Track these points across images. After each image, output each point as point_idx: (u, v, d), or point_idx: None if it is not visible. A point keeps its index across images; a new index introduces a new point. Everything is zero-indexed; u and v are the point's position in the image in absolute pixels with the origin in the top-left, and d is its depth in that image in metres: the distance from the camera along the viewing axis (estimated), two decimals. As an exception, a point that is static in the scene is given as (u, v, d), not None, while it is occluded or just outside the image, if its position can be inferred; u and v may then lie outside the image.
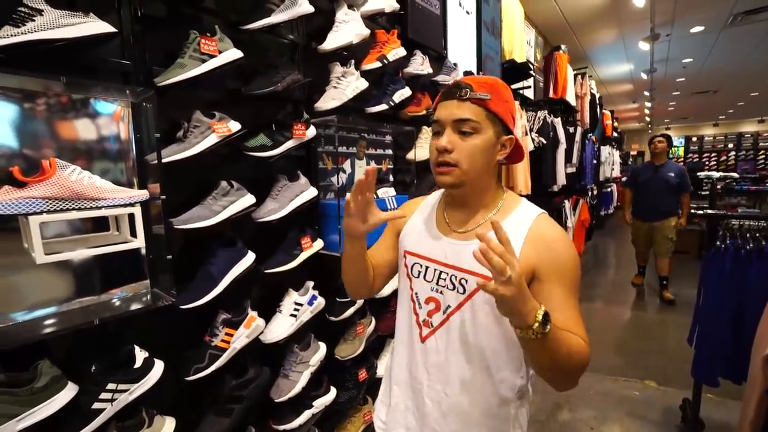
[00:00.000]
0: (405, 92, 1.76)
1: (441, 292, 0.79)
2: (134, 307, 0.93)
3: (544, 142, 3.34)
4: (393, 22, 1.90)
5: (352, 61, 1.51)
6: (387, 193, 1.70)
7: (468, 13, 2.67)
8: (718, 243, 1.49)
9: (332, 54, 1.48)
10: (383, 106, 1.66)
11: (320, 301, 1.42)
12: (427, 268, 0.82)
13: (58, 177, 0.76)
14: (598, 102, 6.03)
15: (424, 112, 1.93)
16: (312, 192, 1.37)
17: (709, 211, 1.65)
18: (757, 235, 1.44)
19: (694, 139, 14.22)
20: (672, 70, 7.31)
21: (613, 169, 8.28)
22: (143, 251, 0.98)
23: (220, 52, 1.04)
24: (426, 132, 2.00)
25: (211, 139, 1.04)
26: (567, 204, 4.20)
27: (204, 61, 1.01)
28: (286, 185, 1.28)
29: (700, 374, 1.54)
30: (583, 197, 5.05)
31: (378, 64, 1.62)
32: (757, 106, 11.83)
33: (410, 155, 1.96)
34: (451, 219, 0.83)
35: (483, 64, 2.80)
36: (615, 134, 8.64)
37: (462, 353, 0.77)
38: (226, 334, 1.12)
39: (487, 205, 0.80)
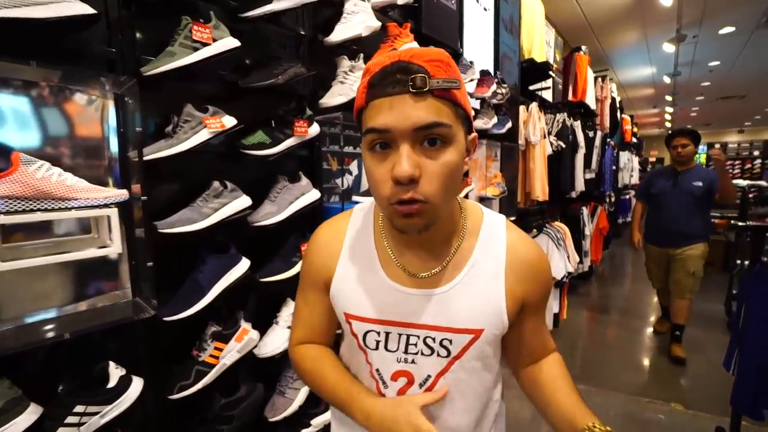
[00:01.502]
0: (417, 90, 1.65)
1: (413, 362, 0.59)
2: (111, 319, 0.84)
3: (563, 146, 3.19)
4: (406, 16, 1.80)
5: (361, 55, 1.41)
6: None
7: (485, 9, 2.55)
8: (764, 258, 1.34)
9: (340, 47, 1.38)
10: (394, 105, 1.55)
11: (321, 313, 1.31)
12: (388, 334, 0.59)
13: (21, 174, 0.67)
14: (618, 106, 5.81)
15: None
16: (314, 194, 1.27)
17: (751, 223, 1.50)
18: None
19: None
20: (697, 73, 7.03)
21: (632, 176, 8.01)
22: (122, 257, 0.89)
23: (214, 41, 0.95)
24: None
25: (202, 135, 0.95)
26: (585, 211, 4.02)
27: (196, 49, 0.92)
28: (286, 187, 1.19)
29: (743, 407, 1.38)
30: (602, 204, 4.85)
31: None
32: (786, 112, 11.36)
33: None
34: (405, 261, 0.59)
35: (501, 63, 2.67)
36: (634, 140, 8.37)
37: (452, 421, 0.62)
38: (216, 348, 1.03)
39: (450, 232, 0.59)
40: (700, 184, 2.56)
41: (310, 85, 1.36)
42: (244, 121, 1.10)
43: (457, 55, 2.13)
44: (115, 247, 0.80)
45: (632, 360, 2.80)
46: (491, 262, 0.59)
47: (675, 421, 2.08)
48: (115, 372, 0.83)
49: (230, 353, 1.05)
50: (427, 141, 0.47)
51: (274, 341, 1.18)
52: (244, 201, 1.06)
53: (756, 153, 12.95)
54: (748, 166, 13.03)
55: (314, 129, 1.24)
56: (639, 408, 2.21)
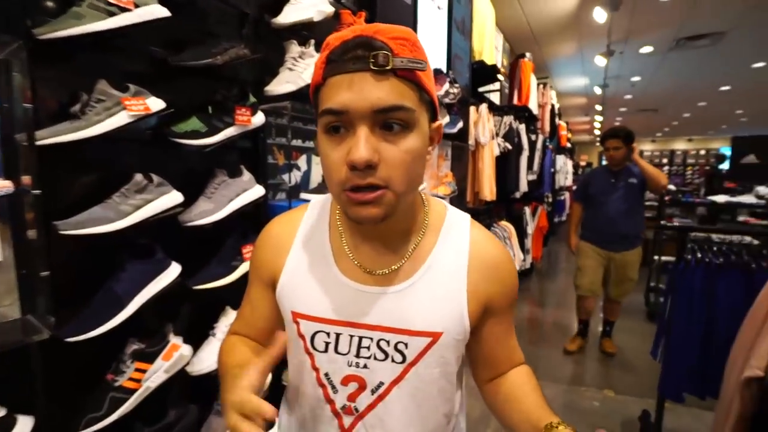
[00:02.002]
0: (372, 83, 1.58)
1: (365, 366, 0.54)
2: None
3: (510, 148, 3.32)
4: (360, 5, 1.72)
5: (312, 41, 1.31)
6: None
7: (439, 8, 2.55)
8: (688, 257, 1.46)
9: (288, 31, 1.27)
10: (347, 97, 1.47)
11: (266, 321, 1.20)
12: (338, 335, 0.54)
13: None
14: (557, 112, 6.22)
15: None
16: (258, 191, 1.15)
17: (677, 224, 1.66)
18: (723, 248, 1.43)
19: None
20: (622, 86, 7.76)
21: (566, 178, 8.66)
22: (6, 266, 0.71)
23: (136, 6, 0.80)
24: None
25: (120, 119, 0.80)
26: (527, 210, 4.24)
27: (112, 14, 0.77)
28: (225, 182, 1.06)
29: (670, 392, 1.50)
30: (542, 204, 5.16)
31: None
32: (688, 126, 13.03)
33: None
34: (360, 255, 0.55)
35: (452, 63, 2.69)
36: (568, 145, 9.05)
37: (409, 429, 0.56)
38: (137, 370, 0.88)
39: (410, 226, 0.55)
40: (635, 180, 2.58)
41: (255, 70, 1.23)
42: (175, 105, 0.95)
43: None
44: (-6, 254, 0.63)
45: (568, 352, 2.99)
46: (452, 260, 0.55)
47: (608, 407, 2.25)
48: (-4, 411, 0.66)
49: (156, 374, 0.90)
50: (387, 125, 0.44)
51: (211, 356, 1.05)
52: (173, 197, 0.92)
53: (665, 160, 14.78)
54: (660, 171, 14.79)
55: (258, 118, 1.12)
56: (577, 397, 2.36)
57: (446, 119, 2.33)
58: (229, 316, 1.10)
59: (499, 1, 3.32)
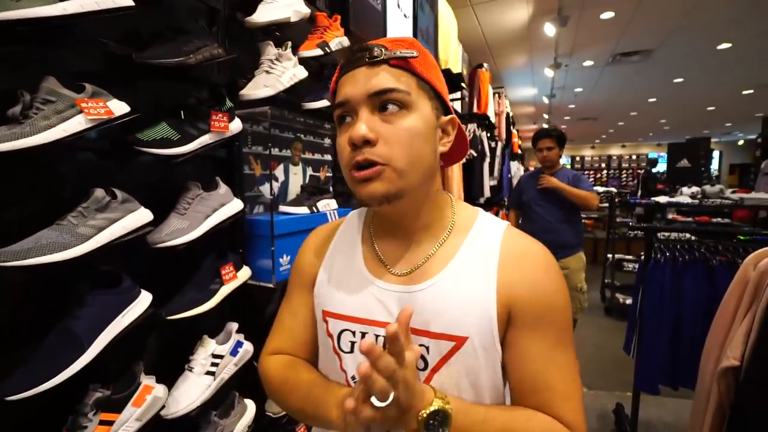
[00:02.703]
0: (348, 89, 1.52)
1: None
2: None
3: (474, 154, 3.39)
4: (333, 9, 1.66)
5: (289, 43, 1.22)
6: (328, 206, 1.43)
7: (405, 16, 2.55)
8: (658, 255, 1.55)
9: (262, 31, 1.18)
10: (324, 102, 1.39)
11: (247, 348, 1.08)
12: (363, 335, 0.54)
13: None
14: (511, 120, 6.52)
15: (367, 114, 1.71)
16: (236, 205, 1.04)
17: (645, 225, 1.77)
18: (687, 245, 1.54)
19: (578, 158, 16.66)
20: (566, 96, 8.33)
21: (520, 183, 9.11)
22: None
23: (94, -7, 0.68)
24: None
25: (76, 124, 0.67)
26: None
27: None
28: (199, 196, 0.94)
29: (645, 385, 1.57)
30: (502, 209, 5.35)
31: (319, 52, 1.35)
32: (622, 133, 14.30)
33: (352, 162, 1.72)
34: (385, 253, 0.56)
35: (420, 72, 2.70)
36: (520, 151, 9.55)
37: None
38: (102, 422, 0.74)
39: (433, 223, 0.55)
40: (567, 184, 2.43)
41: (227, 72, 1.12)
42: (139, 109, 0.83)
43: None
44: None
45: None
46: (481, 260, 0.51)
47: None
48: None
49: (126, 424, 0.76)
50: (384, 106, 0.48)
51: (189, 394, 0.91)
52: (142, 215, 0.79)
53: (603, 165, 16.13)
54: (598, 175, 16.08)
55: (236, 125, 1.02)
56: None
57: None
58: (208, 347, 0.97)
59: (457, 14, 3.41)
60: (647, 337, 1.54)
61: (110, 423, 0.74)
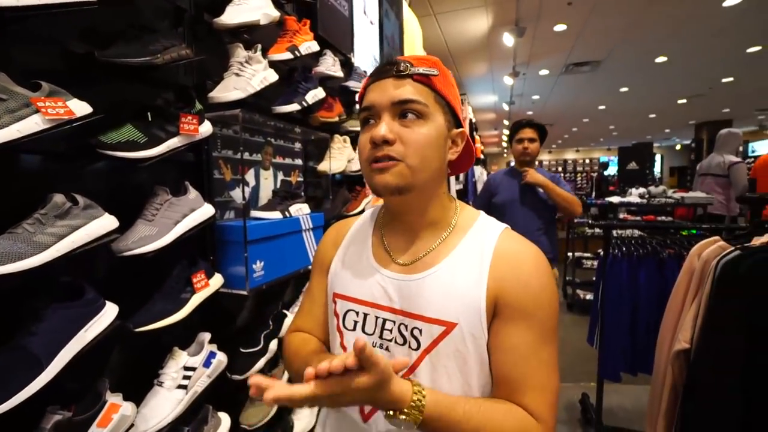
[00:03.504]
0: (319, 93, 1.51)
1: (387, 348, 0.59)
2: None
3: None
4: (300, 14, 1.65)
5: (259, 46, 1.20)
6: (300, 210, 1.41)
7: (372, 23, 2.59)
8: (615, 251, 1.66)
9: (230, 33, 1.16)
10: (295, 107, 1.38)
11: (220, 359, 1.04)
12: (365, 316, 0.61)
13: None
14: (474, 126, 6.74)
15: (336, 119, 1.71)
16: (207, 210, 1.00)
17: (603, 222, 1.89)
18: (640, 241, 1.66)
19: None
20: (525, 103, 8.75)
21: (484, 186, 9.42)
22: None
23: (51, -14, 0.64)
24: (339, 141, 1.78)
25: (33, 124, 0.62)
26: (458, 218, 4.47)
27: (17, -8, 0.60)
28: (168, 201, 0.90)
29: (608, 373, 1.67)
30: (468, 211, 5.51)
31: (288, 56, 1.34)
32: (576, 139, 15.22)
33: (323, 166, 1.71)
34: (392, 245, 0.64)
35: (387, 78, 2.74)
36: (482, 156, 9.90)
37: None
38: (63, 445, 0.68)
39: (437, 222, 0.62)
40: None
41: (195, 73, 1.09)
42: (98, 111, 0.78)
43: (349, 63, 2.08)
44: None
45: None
46: (476, 256, 0.57)
47: (550, 395, 2.43)
48: None
49: (89, 447, 0.71)
50: (404, 114, 0.55)
51: (159, 410, 0.86)
52: (106, 221, 0.75)
53: (560, 168, 17.05)
54: (556, 178, 16.98)
55: (206, 127, 0.99)
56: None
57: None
58: (179, 359, 0.92)
59: (421, 22, 3.51)
60: (608, 328, 1.64)
61: (73, 446, 0.69)
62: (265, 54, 1.26)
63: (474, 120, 7.10)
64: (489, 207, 2.17)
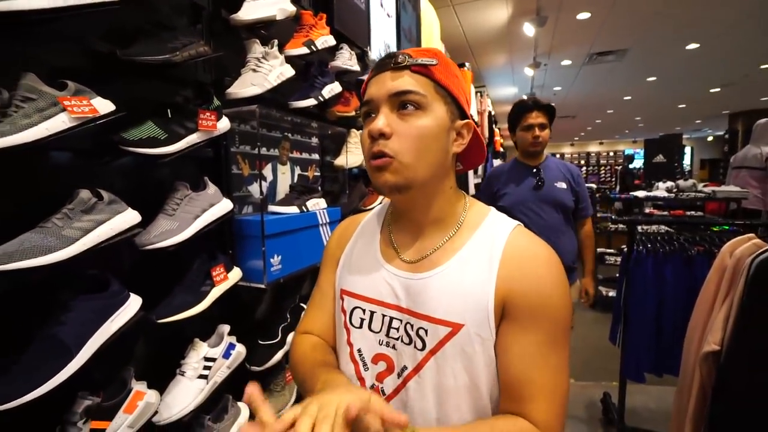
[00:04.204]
0: (335, 87, 1.51)
1: (394, 347, 0.57)
2: None
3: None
4: (316, 7, 1.65)
5: (275, 41, 1.21)
6: (317, 205, 1.42)
7: (389, 16, 2.56)
8: (640, 248, 1.60)
9: (247, 29, 1.16)
10: (311, 101, 1.38)
11: (239, 351, 1.06)
12: (372, 313, 0.60)
13: None
14: (493, 119, 6.62)
15: (353, 113, 1.70)
16: (226, 205, 1.02)
17: (627, 218, 1.82)
18: (666, 237, 1.60)
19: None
20: (546, 95, 8.51)
21: (503, 181, 9.24)
22: None
23: (74, -13, 0.66)
24: (355, 135, 1.77)
25: (60, 122, 0.65)
26: (476, 213, 4.41)
27: (42, -7, 0.62)
28: (188, 197, 0.92)
29: (631, 373, 1.62)
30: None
31: (305, 50, 1.35)
32: (600, 130, 14.72)
33: (340, 161, 1.71)
34: (399, 242, 0.62)
35: (404, 71, 2.71)
36: (501, 149, 9.71)
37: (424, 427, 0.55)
38: (93, 430, 0.71)
39: (444, 218, 0.59)
40: (564, 186, 1.69)
41: (213, 70, 1.10)
42: (123, 108, 0.80)
43: (366, 57, 2.07)
44: None
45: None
46: (485, 254, 0.55)
47: (570, 393, 2.38)
48: None
49: (118, 431, 0.74)
50: (402, 105, 0.54)
51: (182, 398, 0.89)
52: (129, 216, 0.77)
53: (582, 162, 16.55)
54: (578, 172, 16.52)
55: (224, 123, 1.00)
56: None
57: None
58: (200, 350, 0.95)
59: (439, 13, 3.45)
60: (632, 327, 1.59)
61: (101, 431, 0.72)
62: (281, 49, 1.26)
63: (494, 113, 6.96)
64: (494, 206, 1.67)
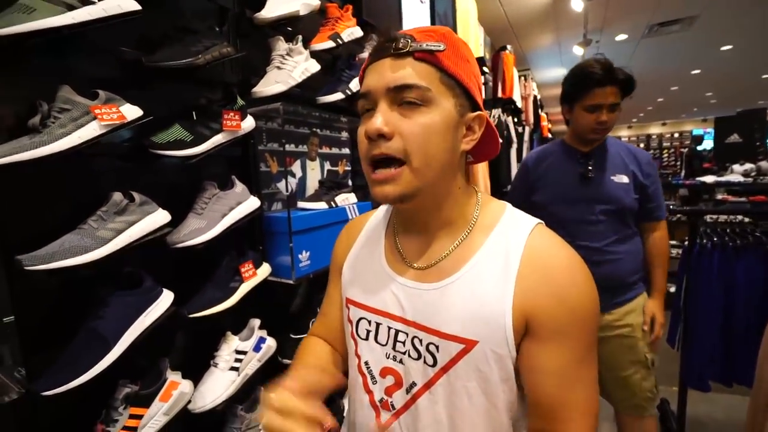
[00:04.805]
0: (363, 81, 1.49)
1: (401, 361, 0.53)
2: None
3: (501, 141, 3.28)
4: None
5: (300, 37, 1.21)
6: (347, 200, 1.41)
7: (422, 2, 2.48)
8: (704, 241, 1.42)
9: (272, 27, 1.17)
10: (338, 96, 1.37)
11: (270, 344, 1.09)
12: (378, 325, 0.56)
13: None
14: (539, 103, 6.25)
15: (384, 105, 1.67)
16: (253, 203, 1.05)
17: (688, 208, 1.63)
18: (738, 229, 1.40)
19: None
20: (598, 75, 7.87)
21: (551, 168, 8.74)
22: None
23: (100, -1, 0.69)
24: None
25: (91, 130, 0.69)
26: (519, 203, 4.21)
27: (71, 7, 0.65)
28: (216, 195, 0.95)
29: (693, 381, 1.46)
30: (531, 196, 5.17)
31: (330, 44, 1.33)
32: (662, 111, 13.38)
33: (370, 155, 1.70)
34: (405, 247, 0.57)
35: (439, 58, 2.63)
36: (550, 135, 9.16)
37: None
38: (132, 416, 0.77)
39: (454, 221, 0.53)
40: (624, 179, 1.26)
41: (238, 70, 1.13)
42: (153, 113, 0.84)
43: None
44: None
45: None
46: (500, 262, 0.48)
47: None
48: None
49: (154, 418, 0.79)
50: (404, 101, 0.47)
51: (214, 389, 0.94)
52: (160, 217, 0.81)
53: (642, 145, 15.19)
54: (638, 156, 15.19)
55: (248, 123, 1.02)
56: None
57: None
58: (231, 343, 0.99)
59: (478, -5, 3.29)
60: (694, 330, 1.42)
61: (139, 417, 0.77)
62: (307, 44, 1.26)
63: (539, 97, 6.58)
64: (528, 207, 1.09)
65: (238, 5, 1.11)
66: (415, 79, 0.46)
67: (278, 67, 1.13)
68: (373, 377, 0.55)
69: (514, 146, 3.76)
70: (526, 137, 4.48)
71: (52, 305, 0.73)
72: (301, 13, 1.17)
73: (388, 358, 0.54)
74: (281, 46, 1.14)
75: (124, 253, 0.74)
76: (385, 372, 0.54)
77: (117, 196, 0.75)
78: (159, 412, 0.80)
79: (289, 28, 1.22)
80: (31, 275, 0.63)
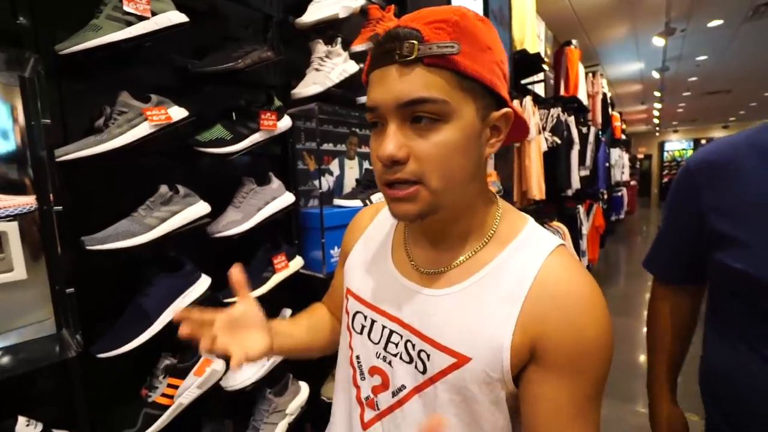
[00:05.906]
0: (404, 80, 1.49)
1: (390, 363, 0.51)
2: (25, 360, 0.66)
3: (558, 142, 3.07)
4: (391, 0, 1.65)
5: (339, 39, 1.25)
6: (382, 198, 1.43)
7: (474, -1, 2.42)
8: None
9: (314, 31, 1.23)
10: (378, 96, 1.39)
11: (300, 334, 1.14)
12: (373, 322, 0.54)
13: None
14: (609, 102, 5.75)
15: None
16: (287, 198, 1.10)
17: None
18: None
19: (704, 141, 13.96)
20: (684, 68, 7.02)
21: (623, 173, 7.99)
22: (35, 283, 0.71)
23: (153, 14, 0.78)
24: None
25: (142, 130, 0.78)
26: (581, 209, 3.91)
27: (129, 23, 0.75)
28: (253, 190, 1.02)
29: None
30: (597, 202, 4.76)
31: (369, 45, 1.36)
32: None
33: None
34: (414, 251, 0.54)
35: (491, 56, 2.54)
36: (623, 137, 8.35)
37: None
38: (170, 385, 0.85)
39: (470, 231, 0.50)
40: None
41: (282, 73, 1.20)
42: (201, 114, 0.93)
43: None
44: (17, 273, 0.62)
45: (632, 365, 2.67)
46: (512, 280, 0.45)
47: None
48: (27, 429, 0.65)
49: (188, 390, 0.88)
50: (417, 118, 0.41)
51: (245, 371, 1.01)
52: (200, 208, 0.89)
53: (741, 147, 13.18)
54: (734, 159, 13.23)
55: (284, 122, 1.08)
56: (643, 420, 2.08)
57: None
58: (262, 330, 1.05)
59: (538, -14, 3.12)
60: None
61: (176, 387, 0.85)
62: (347, 46, 1.30)
63: (610, 95, 6.05)
64: (696, 266, 0.70)
65: (282, 12, 1.18)
66: (428, 91, 0.40)
67: (317, 69, 1.18)
68: (362, 373, 0.55)
69: (576, 148, 3.50)
70: (591, 138, 4.14)
71: (108, 282, 0.84)
72: (341, 15, 1.21)
73: (377, 357, 0.53)
74: (320, 48, 1.19)
75: (167, 239, 0.82)
76: (373, 371, 0.53)
77: (164, 188, 0.84)
78: (192, 385, 0.88)
79: (331, 31, 1.27)
80: (91, 255, 0.74)
